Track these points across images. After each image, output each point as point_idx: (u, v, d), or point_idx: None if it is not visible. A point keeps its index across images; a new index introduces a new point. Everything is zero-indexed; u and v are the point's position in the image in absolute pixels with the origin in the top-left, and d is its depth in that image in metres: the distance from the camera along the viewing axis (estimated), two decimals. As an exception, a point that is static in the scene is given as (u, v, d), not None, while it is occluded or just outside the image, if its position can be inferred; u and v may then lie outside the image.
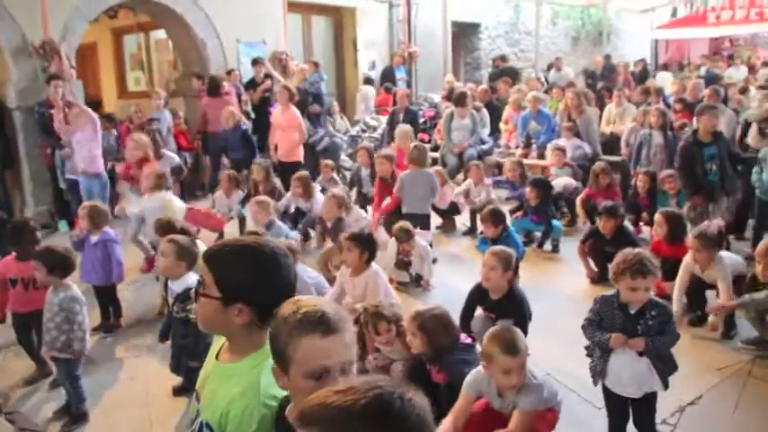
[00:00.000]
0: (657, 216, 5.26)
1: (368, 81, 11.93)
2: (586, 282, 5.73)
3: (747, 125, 7.30)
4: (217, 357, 1.73)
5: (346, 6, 11.82)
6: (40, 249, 3.97)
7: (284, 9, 10.59)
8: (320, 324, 1.41)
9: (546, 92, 10.94)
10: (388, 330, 3.76)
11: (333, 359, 1.41)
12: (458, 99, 8.84)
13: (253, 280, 1.61)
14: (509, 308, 3.92)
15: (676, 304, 4.59)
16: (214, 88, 9.02)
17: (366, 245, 4.46)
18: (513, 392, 2.95)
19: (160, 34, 11.40)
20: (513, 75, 12.43)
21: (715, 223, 5.09)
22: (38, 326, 4.13)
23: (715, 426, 3.66)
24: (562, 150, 7.75)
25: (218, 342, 1.77)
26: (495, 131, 9.87)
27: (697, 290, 4.79)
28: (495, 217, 5.48)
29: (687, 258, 4.68)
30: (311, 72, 10.03)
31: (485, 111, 9.70)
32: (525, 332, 3.91)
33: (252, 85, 9.70)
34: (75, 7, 8.28)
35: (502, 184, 7.92)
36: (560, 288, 5.64)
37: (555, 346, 4.25)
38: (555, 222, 6.73)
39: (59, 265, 3.83)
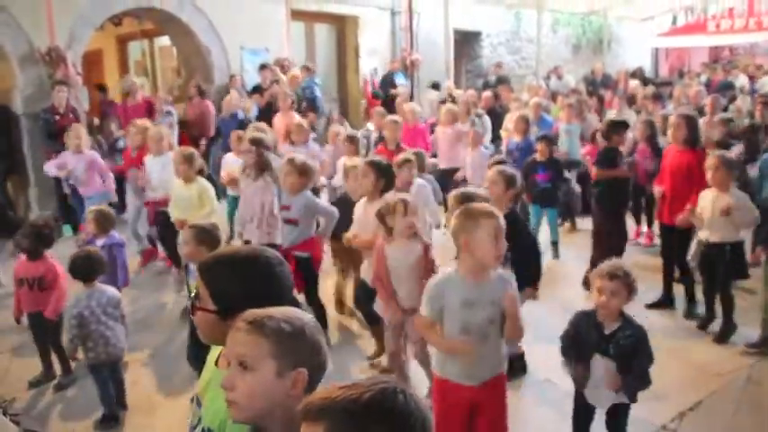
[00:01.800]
0: (674, 119, 5.23)
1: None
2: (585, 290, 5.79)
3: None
4: (216, 363, 1.73)
5: (349, 14, 11.89)
6: (78, 255, 4.06)
7: (287, 16, 10.67)
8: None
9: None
10: (404, 214, 3.63)
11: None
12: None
13: (247, 291, 1.60)
14: (509, 230, 3.86)
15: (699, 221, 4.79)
16: (201, 93, 9.31)
17: (383, 171, 4.31)
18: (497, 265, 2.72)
19: (164, 41, 11.50)
20: (507, 82, 12.50)
21: (733, 151, 5.16)
22: (50, 327, 4.32)
23: (715, 431, 3.70)
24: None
25: (217, 348, 1.76)
26: (497, 138, 9.92)
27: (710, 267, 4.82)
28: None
29: (702, 194, 4.78)
30: (304, 77, 10.04)
31: (486, 117, 9.73)
32: (537, 260, 4.08)
33: (257, 90, 9.77)
34: (81, 15, 8.37)
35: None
36: (561, 294, 5.66)
37: (555, 353, 4.27)
38: (553, 225, 6.80)
39: (79, 268, 3.93)
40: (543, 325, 4.29)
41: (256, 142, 5.31)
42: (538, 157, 6.68)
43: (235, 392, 1.39)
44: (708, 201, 4.70)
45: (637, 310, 5.20)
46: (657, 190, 5.31)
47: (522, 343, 4.29)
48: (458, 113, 8.16)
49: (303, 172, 4.68)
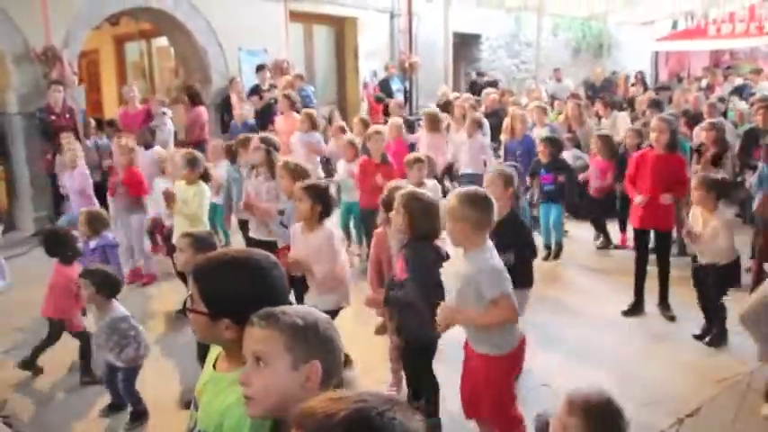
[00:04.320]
0: (656, 123, 5.18)
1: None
2: (587, 294, 5.75)
3: (747, 138, 7.29)
4: (214, 366, 1.73)
5: (348, 16, 11.87)
6: (90, 268, 3.99)
7: (286, 18, 10.63)
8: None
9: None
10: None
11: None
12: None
13: (238, 294, 1.59)
14: (509, 231, 3.85)
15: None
16: (192, 98, 9.25)
17: (319, 196, 4.00)
18: None
19: (162, 42, 11.46)
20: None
21: (721, 174, 5.11)
22: None
23: (713, 438, 3.65)
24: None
25: (215, 350, 1.77)
26: (497, 141, 9.85)
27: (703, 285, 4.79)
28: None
29: (693, 211, 4.78)
30: (298, 85, 9.88)
31: (485, 120, 9.67)
32: (528, 259, 4.09)
33: (256, 91, 9.73)
34: (78, 14, 8.32)
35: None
36: (561, 300, 5.64)
37: (554, 358, 4.24)
38: (557, 225, 6.72)
39: (108, 283, 3.86)
40: (544, 330, 4.25)
41: (266, 141, 5.33)
42: (541, 158, 6.66)
43: (251, 388, 1.42)
44: (697, 221, 4.70)
45: (639, 316, 5.22)
46: (641, 199, 5.14)
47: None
48: (440, 119, 8.15)
49: (298, 175, 4.66)
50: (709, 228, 4.60)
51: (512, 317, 2.92)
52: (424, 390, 3.56)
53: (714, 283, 4.65)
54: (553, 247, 6.71)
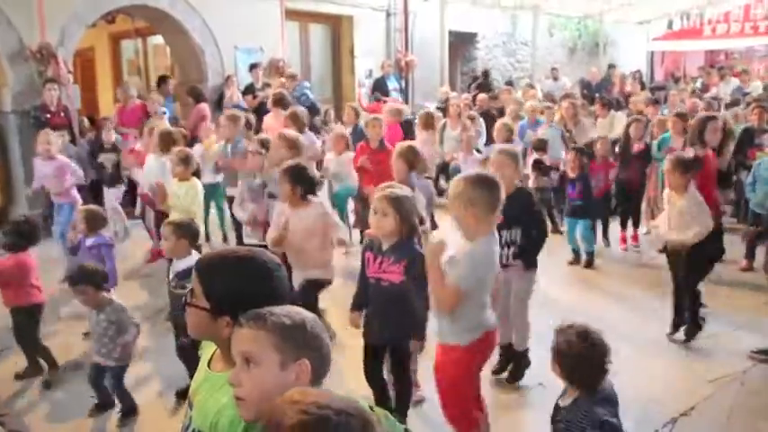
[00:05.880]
0: (721, 123, 5.28)
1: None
2: (584, 295, 5.77)
3: (742, 137, 7.31)
4: (209, 365, 1.73)
5: (344, 15, 11.86)
6: (80, 271, 3.94)
7: (282, 16, 10.61)
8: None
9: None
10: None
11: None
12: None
13: (241, 293, 1.59)
14: (517, 205, 3.81)
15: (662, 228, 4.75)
16: (196, 96, 9.24)
17: (296, 177, 4.06)
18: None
19: (158, 40, 11.42)
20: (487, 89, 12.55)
21: (691, 151, 5.09)
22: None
23: (707, 437, 3.67)
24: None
25: (210, 349, 1.77)
26: (491, 142, 9.85)
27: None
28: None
29: (665, 193, 4.80)
30: (292, 84, 9.80)
31: (480, 120, 9.68)
32: (541, 237, 4.04)
33: (250, 90, 9.71)
34: (73, 12, 8.29)
35: None
36: (559, 299, 5.65)
37: (548, 358, 4.23)
38: (587, 236, 6.61)
39: (98, 277, 3.87)
40: (540, 329, 4.24)
41: (266, 145, 5.26)
42: (569, 172, 6.64)
43: (242, 388, 1.44)
44: (668, 202, 4.70)
45: (635, 315, 5.24)
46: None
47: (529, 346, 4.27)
48: (434, 117, 8.28)
49: (292, 146, 4.68)
50: (676, 208, 4.55)
51: (445, 305, 2.86)
52: (405, 391, 3.52)
53: (685, 263, 4.55)
54: (584, 256, 6.60)
